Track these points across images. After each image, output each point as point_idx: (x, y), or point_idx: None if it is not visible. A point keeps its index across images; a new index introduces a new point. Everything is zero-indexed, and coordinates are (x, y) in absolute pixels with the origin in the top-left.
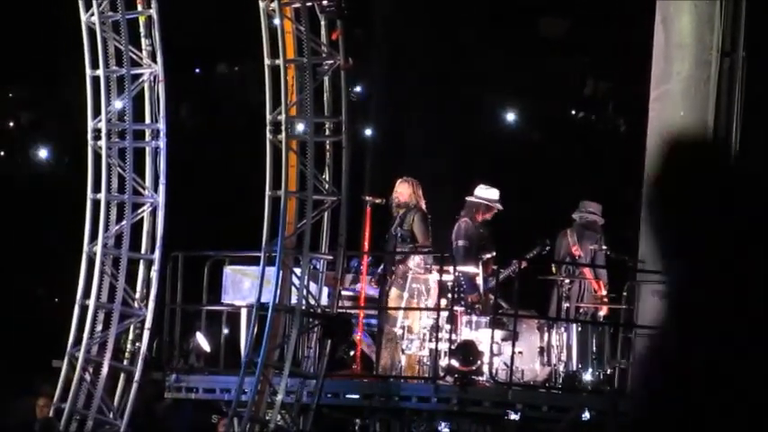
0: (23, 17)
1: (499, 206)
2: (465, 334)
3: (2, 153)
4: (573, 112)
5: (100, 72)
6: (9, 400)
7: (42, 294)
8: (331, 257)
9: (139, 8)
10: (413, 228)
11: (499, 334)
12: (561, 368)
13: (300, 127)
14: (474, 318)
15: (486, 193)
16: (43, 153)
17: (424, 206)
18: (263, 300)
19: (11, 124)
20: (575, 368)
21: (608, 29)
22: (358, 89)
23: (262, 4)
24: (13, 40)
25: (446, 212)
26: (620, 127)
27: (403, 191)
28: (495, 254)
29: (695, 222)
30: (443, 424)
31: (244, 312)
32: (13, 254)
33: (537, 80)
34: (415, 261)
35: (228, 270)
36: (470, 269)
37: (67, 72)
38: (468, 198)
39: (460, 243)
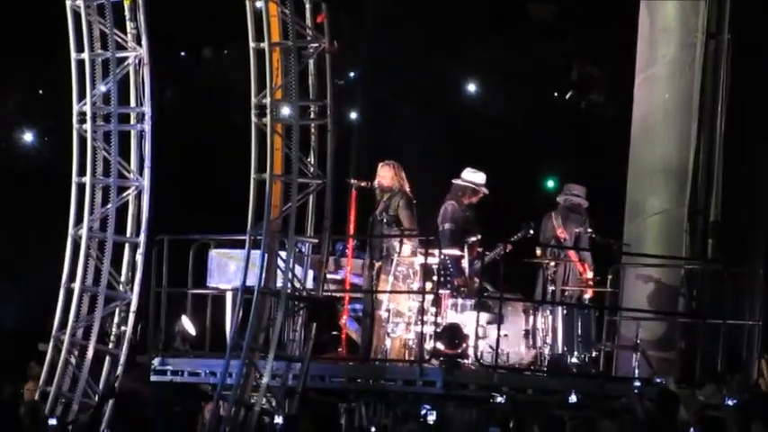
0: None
1: (485, 190)
2: (450, 317)
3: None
4: (559, 96)
5: (85, 55)
6: None
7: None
8: (316, 241)
9: None
10: (398, 212)
11: (485, 317)
12: (547, 351)
13: (286, 110)
14: (459, 301)
15: (473, 176)
16: (28, 137)
17: (408, 190)
18: (248, 283)
19: None
20: (560, 351)
21: (594, 13)
22: (344, 72)
23: None
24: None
25: (432, 196)
26: (605, 110)
27: (385, 174)
28: (480, 237)
29: None
30: (429, 408)
31: (229, 296)
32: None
33: (523, 64)
34: (404, 248)
35: (214, 253)
36: (456, 252)
37: (52, 55)
38: (455, 181)
39: (447, 226)
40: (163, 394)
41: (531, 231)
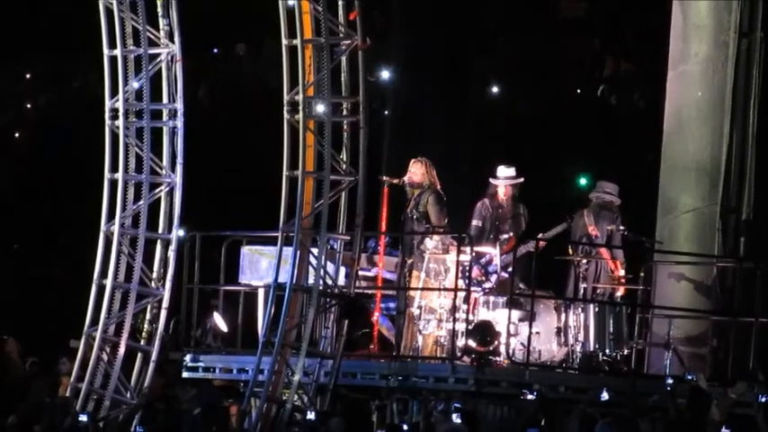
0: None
1: (496, 182)
2: (482, 314)
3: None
4: (591, 92)
5: (117, 52)
6: (29, 380)
7: (61, 274)
8: (348, 238)
9: None
10: (427, 208)
11: (516, 314)
12: (578, 348)
13: (318, 107)
14: (491, 298)
15: (501, 172)
16: (61, 133)
17: (438, 186)
18: (280, 280)
19: (28, 105)
20: (592, 348)
21: (627, 8)
22: (376, 69)
23: None
24: (31, 22)
25: (461, 193)
26: (638, 107)
27: (416, 171)
28: (512, 234)
29: None
30: (458, 405)
31: (261, 292)
32: (32, 235)
33: (556, 60)
34: (432, 242)
35: (246, 250)
36: (486, 249)
37: (85, 52)
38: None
39: (473, 223)
40: (199, 395)
41: (571, 223)
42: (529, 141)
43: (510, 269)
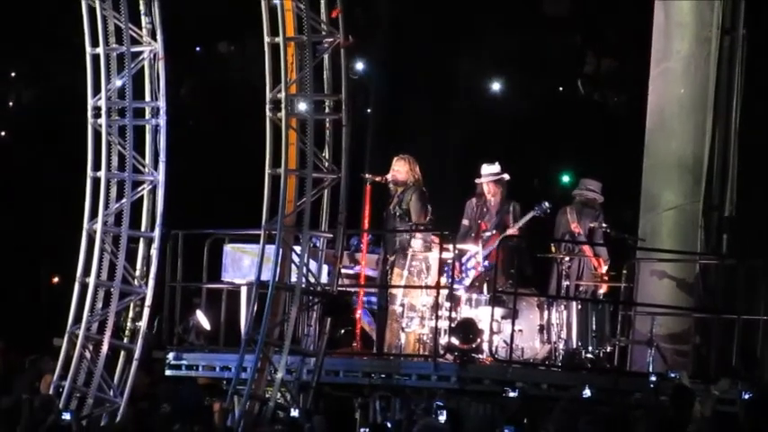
0: None
1: (481, 180)
2: (465, 312)
3: (2, 133)
4: (573, 90)
5: (100, 50)
6: (9, 378)
7: (44, 273)
8: (331, 235)
9: None
10: (410, 205)
11: (499, 312)
12: (561, 346)
13: (300, 105)
14: (474, 296)
15: (483, 170)
16: (43, 131)
17: (422, 183)
18: (262, 278)
19: (10, 104)
20: (574, 346)
21: (609, 6)
22: (359, 67)
23: None
24: (13, 20)
25: (447, 190)
26: (620, 104)
27: (400, 168)
28: (494, 231)
29: None
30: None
31: (244, 290)
32: (15, 233)
33: (538, 57)
34: (415, 242)
35: (228, 248)
36: (470, 247)
37: (67, 50)
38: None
39: (462, 222)
40: (183, 393)
41: (548, 210)
42: (513, 138)
43: (486, 263)
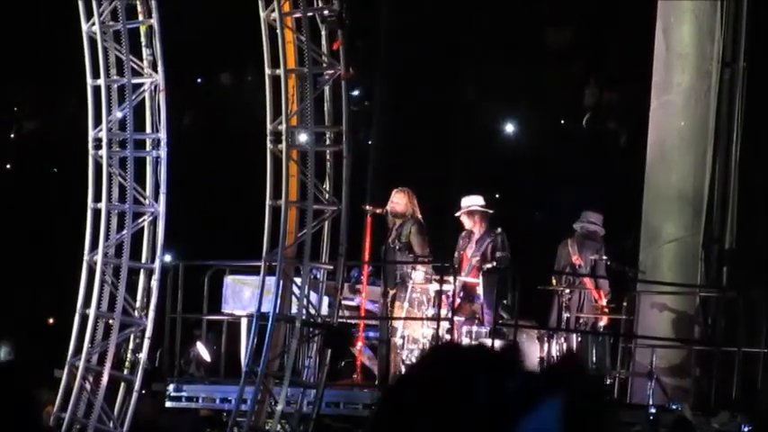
0: (24, 27)
1: (456, 213)
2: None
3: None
4: (573, 121)
5: (101, 81)
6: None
7: (45, 304)
8: (331, 267)
9: (140, 18)
10: (410, 239)
11: (499, 344)
12: None
13: (301, 137)
14: (474, 328)
15: (462, 202)
16: (44, 162)
17: (420, 216)
18: (263, 309)
19: (11, 135)
20: None
21: (610, 38)
22: (359, 98)
23: (263, 14)
24: (15, 50)
25: (448, 222)
26: (620, 136)
27: (399, 200)
28: (474, 262)
29: None
30: None
31: (244, 322)
32: (16, 264)
33: (538, 88)
34: (416, 274)
35: (229, 280)
36: (469, 279)
37: (68, 81)
38: None
39: (455, 254)
40: (184, 425)
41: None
42: (513, 170)
43: (461, 294)
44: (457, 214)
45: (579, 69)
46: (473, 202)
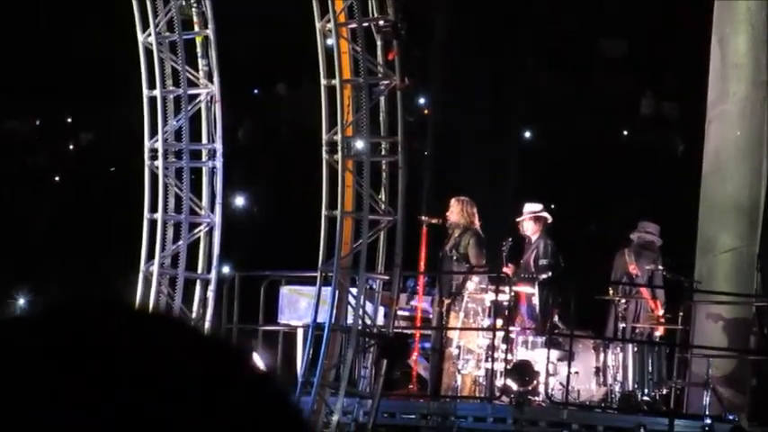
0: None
1: (519, 218)
2: (521, 354)
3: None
4: (631, 132)
5: (157, 92)
6: None
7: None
8: (387, 277)
9: (196, 29)
10: (468, 250)
11: (555, 354)
12: (617, 388)
13: (357, 147)
14: (530, 338)
15: (524, 208)
16: (101, 174)
17: (478, 226)
18: (319, 320)
19: (71, 147)
20: (631, 388)
21: (666, 49)
22: (417, 107)
23: (318, 25)
24: (71, 63)
25: (504, 231)
26: (677, 146)
27: (453, 209)
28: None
29: None
30: None
31: (300, 332)
32: (72, 272)
33: (595, 100)
34: (473, 284)
35: (285, 290)
36: (526, 289)
37: (125, 93)
38: None
39: None
40: None
41: (505, 248)
42: (569, 180)
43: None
44: (519, 219)
45: (636, 80)
46: (536, 208)
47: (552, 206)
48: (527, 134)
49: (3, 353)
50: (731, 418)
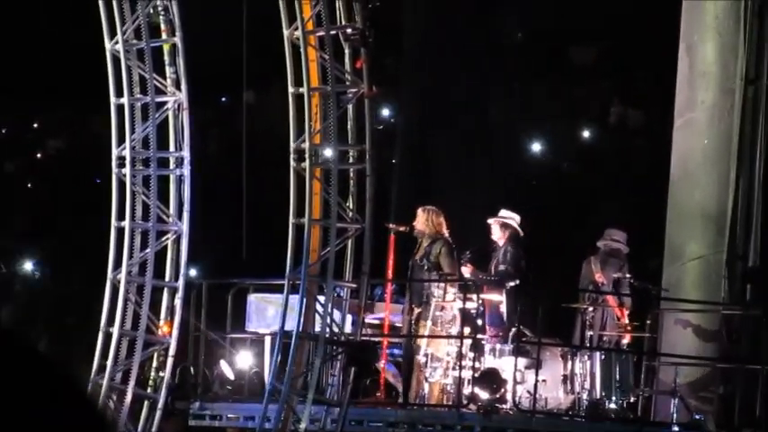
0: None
1: (491, 219)
2: (489, 362)
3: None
4: (598, 140)
5: (124, 100)
6: None
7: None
8: (355, 285)
9: (164, 36)
10: (439, 259)
11: (523, 362)
12: (585, 396)
13: (324, 155)
14: (498, 346)
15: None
16: (68, 181)
17: (447, 235)
18: (286, 327)
19: (38, 155)
20: (598, 396)
21: (634, 56)
22: (385, 115)
23: (286, 33)
24: (38, 70)
25: (472, 238)
26: (645, 154)
27: (419, 219)
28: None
29: None
30: None
31: (268, 340)
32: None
33: (563, 107)
34: (450, 295)
35: (252, 298)
36: (493, 297)
37: (92, 100)
38: None
39: None
40: None
41: (464, 257)
42: (537, 187)
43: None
44: (490, 220)
45: (604, 88)
46: (511, 216)
47: (521, 213)
48: (497, 140)
49: None
50: (697, 417)
